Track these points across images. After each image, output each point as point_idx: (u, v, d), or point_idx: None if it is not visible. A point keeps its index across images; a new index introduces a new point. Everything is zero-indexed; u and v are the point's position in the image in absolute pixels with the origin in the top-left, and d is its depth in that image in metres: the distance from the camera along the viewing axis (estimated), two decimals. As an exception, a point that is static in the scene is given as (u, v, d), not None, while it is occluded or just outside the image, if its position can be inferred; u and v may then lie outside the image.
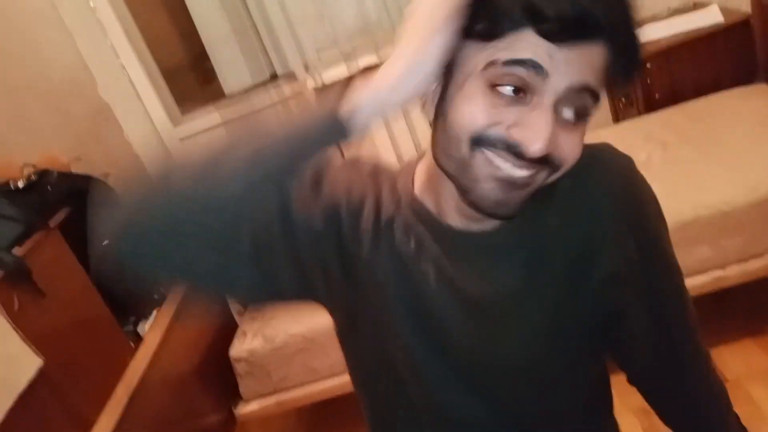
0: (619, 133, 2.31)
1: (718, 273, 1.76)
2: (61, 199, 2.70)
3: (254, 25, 2.89)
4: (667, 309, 0.74)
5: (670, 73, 2.43)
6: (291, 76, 2.91)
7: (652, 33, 2.53)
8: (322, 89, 2.91)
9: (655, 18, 2.65)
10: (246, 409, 1.95)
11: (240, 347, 1.93)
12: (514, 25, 0.56)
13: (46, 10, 2.80)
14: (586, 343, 0.74)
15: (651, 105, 2.45)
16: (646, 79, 2.43)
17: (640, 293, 0.71)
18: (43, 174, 2.75)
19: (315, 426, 2.20)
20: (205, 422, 1.88)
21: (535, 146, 0.58)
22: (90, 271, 2.70)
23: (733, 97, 2.23)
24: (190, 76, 3.24)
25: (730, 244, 1.72)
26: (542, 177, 0.62)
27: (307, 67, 2.90)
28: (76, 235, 2.70)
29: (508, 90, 0.58)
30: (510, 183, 0.61)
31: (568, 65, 0.57)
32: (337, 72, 2.89)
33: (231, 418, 1.97)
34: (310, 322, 1.89)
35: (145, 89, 2.98)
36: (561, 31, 0.56)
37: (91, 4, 2.66)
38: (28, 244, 2.29)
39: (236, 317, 2.14)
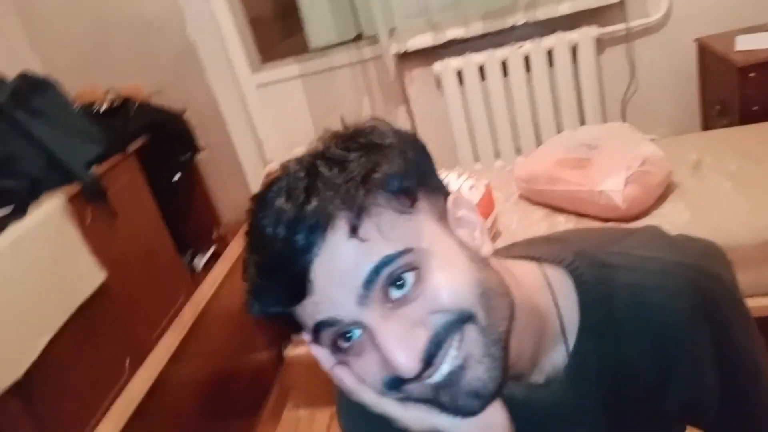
0: (714, 140, 2.22)
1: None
2: (139, 127, 2.79)
3: (348, -17, 2.88)
4: (751, 411, 0.71)
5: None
6: (375, 39, 2.90)
7: (755, 42, 2.42)
8: (403, 56, 2.90)
9: (763, 28, 2.52)
10: (294, 351, 1.99)
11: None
12: (285, 321, 0.57)
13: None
14: None
15: (747, 117, 2.34)
16: (745, 90, 2.32)
17: (724, 411, 0.69)
18: (125, 102, 2.85)
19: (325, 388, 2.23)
20: (255, 358, 1.94)
21: (403, 366, 0.52)
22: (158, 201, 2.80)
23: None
24: (275, 27, 3.27)
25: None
26: (473, 335, 0.55)
27: (392, 33, 2.88)
28: (151, 164, 2.80)
29: (342, 343, 0.56)
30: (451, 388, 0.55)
31: (329, 289, 0.53)
32: (420, 41, 2.87)
33: (279, 358, 2.02)
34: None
35: (230, 35, 3.04)
36: (288, 299, 0.54)
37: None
38: (106, 165, 2.39)
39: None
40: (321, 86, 3.16)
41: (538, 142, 2.86)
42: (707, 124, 2.80)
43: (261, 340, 1.94)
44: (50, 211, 2.03)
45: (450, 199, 0.60)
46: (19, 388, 1.68)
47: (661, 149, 1.98)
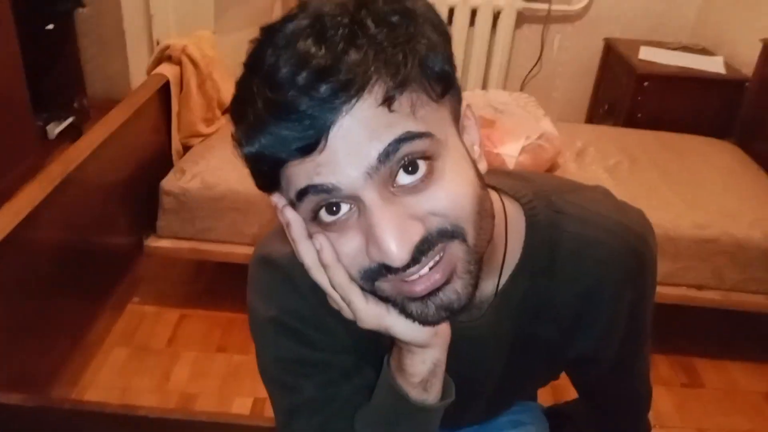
0: (599, 134, 2.38)
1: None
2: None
3: None
4: (629, 377, 0.81)
5: (660, 99, 2.52)
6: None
7: (656, 56, 2.61)
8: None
9: (665, 46, 2.73)
10: (157, 243, 1.86)
11: (174, 182, 1.82)
12: (272, 170, 0.51)
13: None
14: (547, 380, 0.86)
15: (631, 121, 2.53)
16: (637, 96, 2.51)
17: (610, 365, 0.77)
18: None
19: (211, 286, 2.15)
20: (113, 241, 1.78)
21: (393, 255, 0.49)
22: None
23: (705, 144, 2.35)
24: None
25: (661, 266, 1.84)
26: (459, 252, 0.52)
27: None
28: (24, 3, 2.43)
29: (324, 215, 0.52)
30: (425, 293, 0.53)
31: (340, 153, 0.47)
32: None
33: (139, 248, 1.88)
34: (254, 185, 1.82)
35: None
36: (301, 149, 0.47)
37: None
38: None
39: (174, 156, 2.02)
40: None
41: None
42: (591, 119, 3.00)
43: (123, 224, 1.78)
44: None
45: (464, 103, 0.57)
46: None
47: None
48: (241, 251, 1.86)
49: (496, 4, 2.80)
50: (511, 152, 1.99)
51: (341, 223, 0.51)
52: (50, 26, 2.64)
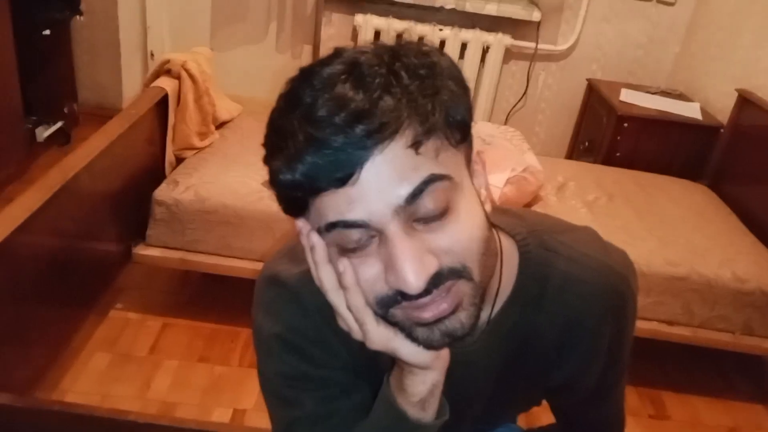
0: (579, 170, 2.47)
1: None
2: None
3: None
4: (606, 406, 0.86)
5: (638, 140, 2.63)
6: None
7: (636, 98, 2.73)
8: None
9: (645, 89, 2.85)
10: (146, 251, 1.87)
11: (167, 193, 1.85)
12: (304, 198, 0.55)
13: None
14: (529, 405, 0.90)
15: (610, 159, 2.64)
16: (616, 135, 2.62)
17: (589, 394, 0.82)
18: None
19: (195, 297, 2.17)
20: (101, 248, 1.79)
21: (410, 283, 0.54)
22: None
23: (679, 185, 2.45)
24: None
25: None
26: (465, 289, 0.58)
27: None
28: (23, 8, 2.45)
29: (350, 245, 0.56)
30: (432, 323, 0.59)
31: (372, 190, 0.52)
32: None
33: (127, 255, 1.89)
34: (246, 201, 1.86)
35: None
36: (334, 182, 0.52)
37: None
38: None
39: (167, 167, 2.05)
40: (233, -7, 2.99)
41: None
42: (571, 155, 3.10)
43: (112, 231, 1.80)
44: None
45: (475, 149, 0.62)
46: None
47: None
48: (228, 264, 1.89)
49: (486, 39, 2.90)
50: (496, 183, 2.06)
51: (362, 251, 0.56)
52: (47, 32, 2.67)
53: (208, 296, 2.16)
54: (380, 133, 0.51)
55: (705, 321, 1.96)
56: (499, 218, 0.75)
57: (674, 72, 3.07)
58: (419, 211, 0.54)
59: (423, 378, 0.65)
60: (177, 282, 2.22)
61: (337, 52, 0.55)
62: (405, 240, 0.54)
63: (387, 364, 0.70)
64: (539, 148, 3.14)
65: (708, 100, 2.76)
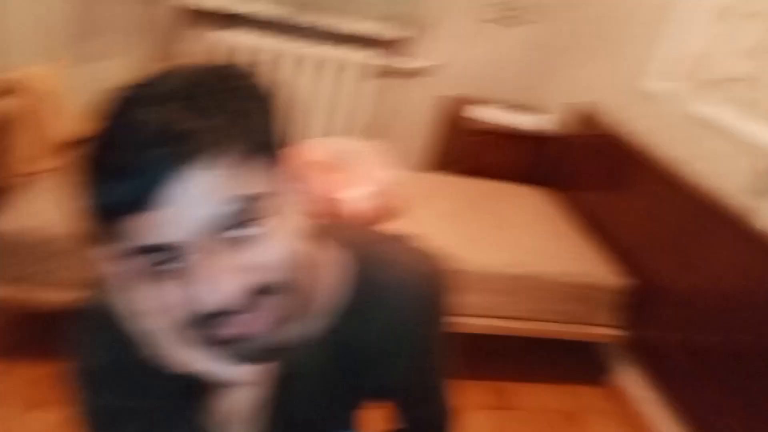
0: (433, 182, 2.68)
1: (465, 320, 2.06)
2: None
3: None
4: (429, 402, 0.92)
5: (484, 151, 2.85)
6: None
7: (490, 114, 2.95)
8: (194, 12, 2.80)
9: (497, 103, 3.09)
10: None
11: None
12: (108, 221, 0.54)
13: None
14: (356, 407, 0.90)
15: (461, 170, 2.84)
16: (465, 148, 2.82)
17: (410, 392, 0.88)
18: None
19: (27, 336, 2.02)
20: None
21: (211, 303, 0.54)
22: None
23: (519, 190, 2.72)
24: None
25: (472, 300, 2.07)
26: (279, 303, 0.58)
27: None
28: None
29: (151, 266, 0.55)
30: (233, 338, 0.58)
31: (176, 213, 0.52)
32: (212, 2, 2.80)
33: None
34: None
35: None
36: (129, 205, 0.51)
37: None
38: None
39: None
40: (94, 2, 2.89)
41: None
42: (427, 169, 3.28)
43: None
44: None
45: (297, 161, 0.62)
46: None
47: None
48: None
49: (342, 57, 3.00)
50: (354, 198, 2.13)
51: (170, 274, 0.55)
52: None
53: (36, 334, 1.90)
54: (183, 156, 0.51)
55: (538, 314, 2.15)
56: (322, 233, 0.75)
57: (525, 87, 3.30)
58: (226, 231, 0.54)
59: (235, 396, 0.67)
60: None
61: (149, 75, 0.56)
62: (210, 260, 0.53)
63: (208, 387, 0.69)
64: (396, 162, 3.26)
65: (553, 112, 3.03)
